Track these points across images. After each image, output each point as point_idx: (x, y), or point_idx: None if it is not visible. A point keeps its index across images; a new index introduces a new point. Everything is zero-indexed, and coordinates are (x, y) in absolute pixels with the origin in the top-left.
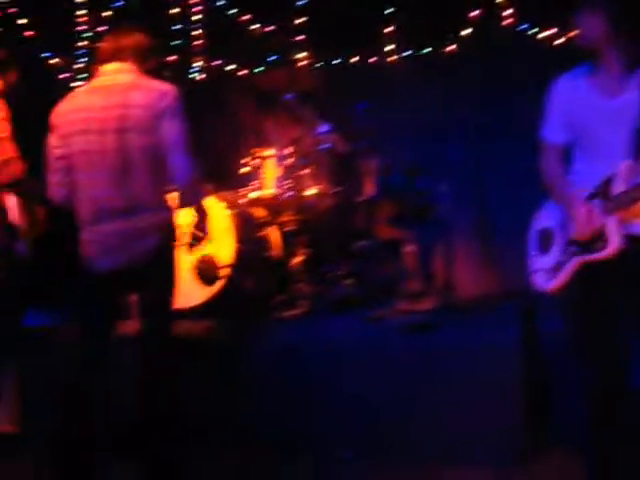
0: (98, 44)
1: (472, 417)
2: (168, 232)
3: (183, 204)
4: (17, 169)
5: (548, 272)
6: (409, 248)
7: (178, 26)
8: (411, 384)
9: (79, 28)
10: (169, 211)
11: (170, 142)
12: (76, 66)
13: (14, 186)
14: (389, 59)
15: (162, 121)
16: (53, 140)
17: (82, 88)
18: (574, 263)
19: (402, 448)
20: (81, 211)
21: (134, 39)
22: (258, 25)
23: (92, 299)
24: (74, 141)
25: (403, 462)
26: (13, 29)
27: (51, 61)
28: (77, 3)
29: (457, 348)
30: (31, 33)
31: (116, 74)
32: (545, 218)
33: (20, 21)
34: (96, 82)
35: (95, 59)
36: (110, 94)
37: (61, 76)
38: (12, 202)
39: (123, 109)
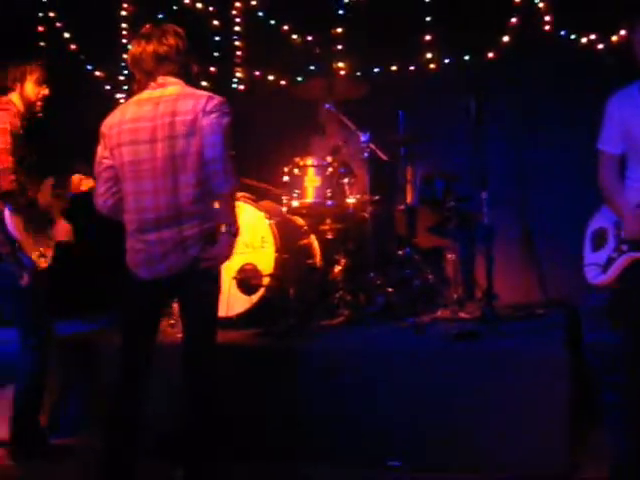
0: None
1: (514, 426)
2: (213, 241)
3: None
4: (5, 181)
5: (599, 267)
6: (450, 256)
7: (218, 38)
8: (453, 392)
9: (122, 41)
10: (214, 220)
11: (210, 139)
12: (119, 78)
13: (5, 198)
14: (428, 67)
15: (204, 120)
16: (102, 151)
17: (131, 100)
18: (625, 260)
19: (443, 456)
20: (128, 220)
21: (169, 45)
22: (298, 35)
23: (136, 307)
24: (123, 152)
25: (443, 470)
26: (59, 43)
27: (95, 73)
28: (120, 16)
29: (499, 356)
30: (75, 46)
31: (164, 87)
32: (601, 218)
33: (66, 35)
34: (144, 95)
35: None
36: (159, 105)
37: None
38: (6, 214)
39: (171, 117)
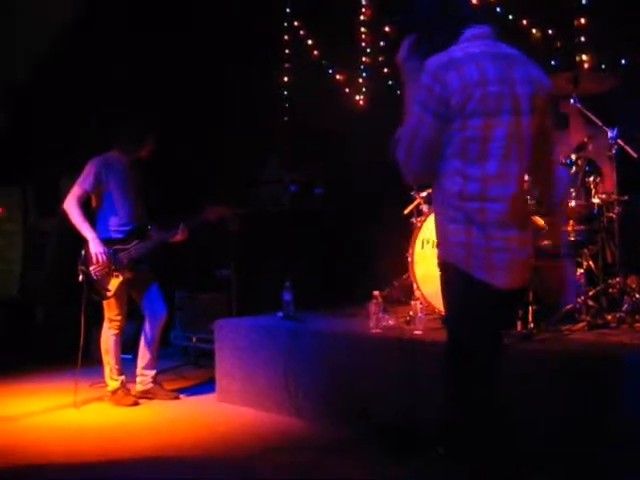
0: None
1: None
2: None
3: None
4: None
5: None
6: None
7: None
8: None
9: (362, 45)
10: None
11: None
12: (359, 81)
13: None
14: None
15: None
16: None
17: None
18: None
19: None
20: None
21: None
22: (537, 29)
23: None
24: None
25: None
26: (303, 50)
27: (336, 77)
28: (360, 21)
29: None
30: (317, 52)
31: None
32: None
33: (309, 42)
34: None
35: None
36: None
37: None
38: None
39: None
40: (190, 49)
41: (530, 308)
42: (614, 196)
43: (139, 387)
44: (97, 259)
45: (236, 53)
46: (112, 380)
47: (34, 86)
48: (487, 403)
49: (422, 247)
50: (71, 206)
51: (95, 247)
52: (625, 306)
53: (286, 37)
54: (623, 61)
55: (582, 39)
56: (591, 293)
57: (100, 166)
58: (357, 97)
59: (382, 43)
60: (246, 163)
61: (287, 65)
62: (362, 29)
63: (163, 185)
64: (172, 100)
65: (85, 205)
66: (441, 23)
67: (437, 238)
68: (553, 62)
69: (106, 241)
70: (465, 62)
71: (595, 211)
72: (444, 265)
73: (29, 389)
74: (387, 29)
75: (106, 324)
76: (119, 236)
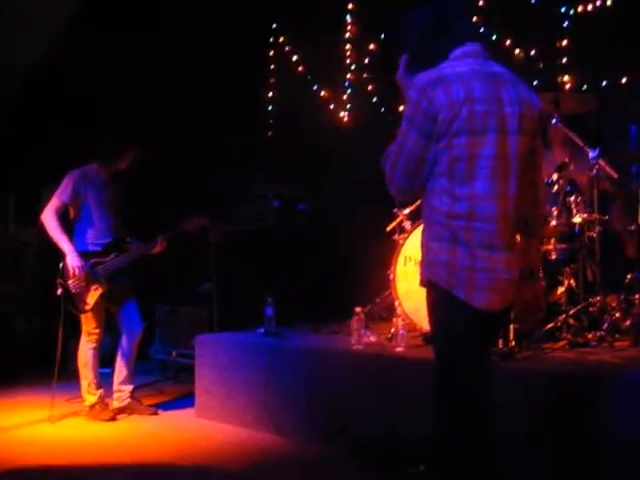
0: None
1: None
2: None
3: None
4: None
5: None
6: None
7: None
8: None
9: (346, 62)
10: None
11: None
12: (343, 97)
13: None
14: None
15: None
16: None
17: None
18: None
19: None
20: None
21: None
22: (520, 49)
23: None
24: None
25: None
26: (287, 66)
27: (321, 93)
28: (345, 39)
29: None
30: (302, 68)
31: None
32: None
33: (294, 57)
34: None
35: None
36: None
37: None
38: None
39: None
40: (174, 62)
41: (511, 326)
42: (595, 215)
43: (116, 404)
44: (74, 273)
45: (221, 68)
46: (89, 394)
47: (19, 98)
48: (473, 423)
49: (404, 264)
50: (48, 218)
51: (72, 261)
52: (605, 325)
53: (271, 53)
54: (604, 82)
55: (564, 60)
56: (572, 312)
57: (78, 179)
58: (341, 113)
59: (367, 60)
60: (229, 178)
61: (272, 80)
62: (347, 46)
63: (144, 198)
64: (154, 114)
65: (64, 217)
66: (433, 39)
67: (422, 255)
68: (535, 82)
69: (83, 254)
70: (453, 80)
71: (576, 230)
72: (429, 284)
73: (3, 403)
74: (372, 46)
75: (84, 337)
76: (97, 249)
